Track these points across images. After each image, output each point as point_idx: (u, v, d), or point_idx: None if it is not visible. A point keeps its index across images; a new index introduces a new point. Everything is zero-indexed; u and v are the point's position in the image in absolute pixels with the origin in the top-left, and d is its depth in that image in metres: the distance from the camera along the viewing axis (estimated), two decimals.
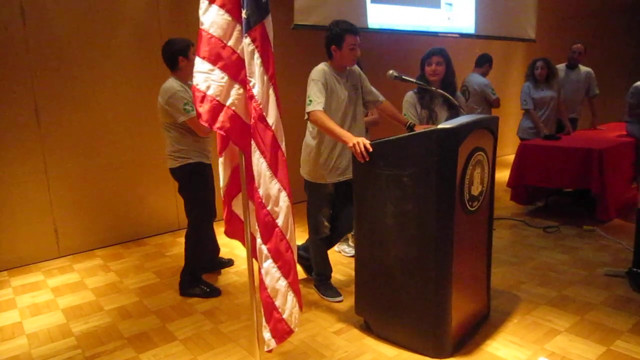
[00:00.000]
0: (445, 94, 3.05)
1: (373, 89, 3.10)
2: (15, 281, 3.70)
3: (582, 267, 3.53)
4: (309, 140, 3.00)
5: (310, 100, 2.77)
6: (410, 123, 3.06)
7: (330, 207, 3.13)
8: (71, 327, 2.96)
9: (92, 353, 2.66)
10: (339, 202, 3.13)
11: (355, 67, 3.03)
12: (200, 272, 3.38)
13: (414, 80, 3.03)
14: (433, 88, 3.10)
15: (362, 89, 3.03)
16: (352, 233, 3.67)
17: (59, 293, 3.46)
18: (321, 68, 2.87)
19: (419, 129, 2.97)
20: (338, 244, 3.96)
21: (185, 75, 3.13)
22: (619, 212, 4.58)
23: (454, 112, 3.17)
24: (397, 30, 5.84)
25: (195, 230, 3.30)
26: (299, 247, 3.50)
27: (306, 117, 2.83)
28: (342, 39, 2.81)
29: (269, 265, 1.99)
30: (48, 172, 4.03)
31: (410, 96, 3.27)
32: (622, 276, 3.31)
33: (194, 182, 3.23)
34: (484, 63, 5.56)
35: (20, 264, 3.98)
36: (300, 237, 3.54)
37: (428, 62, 3.15)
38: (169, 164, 3.23)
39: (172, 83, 3.09)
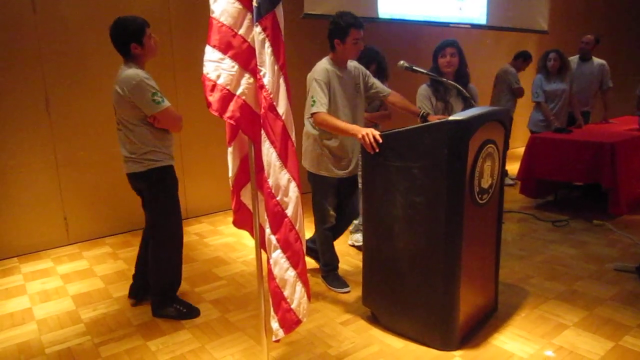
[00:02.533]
0: (457, 85, 3.01)
1: (378, 82, 3.08)
2: (25, 268, 3.73)
3: (591, 262, 3.51)
4: (311, 130, 2.99)
5: (314, 101, 2.77)
6: (424, 112, 3.03)
7: (336, 195, 3.12)
8: (80, 314, 2.99)
9: (100, 340, 2.69)
10: (344, 191, 3.13)
11: (356, 64, 3.00)
12: (176, 288, 3.01)
13: (425, 71, 3.00)
14: (444, 80, 3.08)
15: (364, 85, 3.01)
16: None
17: (68, 280, 3.49)
18: (323, 67, 2.84)
19: (433, 119, 2.96)
20: (351, 234, 3.96)
21: (139, 62, 2.70)
22: (630, 207, 4.53)
23: (468, 103, 3.14)
24: (408, 20, 5.79)
25: (172, 241, 2.91)
26: (307, 240, 3.50)
27: (309, 116, 2.83)
28: (347, 33, 2.77)
29: (277, 255, 1.99)
30: (58, 160, 4.05)
31: (424, 89, 3.25)
32: (631, 271, 3.29)
33: (167, 187, 2.83)
34: (517, 57, 5.67)
35: (30, 250, 4.02)
36: (308, 227, 3.53)
37: (442, 54, 3.12)
38: (130, 168, 2.77)
39: (134, 70, 2.63)
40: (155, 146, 2.73)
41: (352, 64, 2.98)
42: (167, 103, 2.64)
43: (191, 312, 2.93)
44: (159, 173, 2.77)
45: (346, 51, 2.83)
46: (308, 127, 3.01)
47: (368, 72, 3.05)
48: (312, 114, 2.78)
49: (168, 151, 2.81)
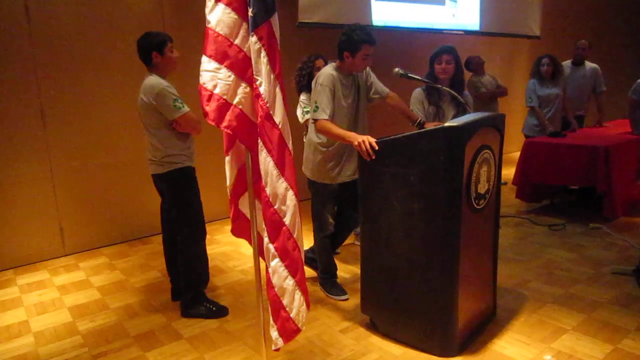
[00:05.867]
0: (452, 92, 3.03)
1: (377, 82, 3.06)
2: (21, 279, 3.71)
3: (588, 265, 3.52)
4: (314, 137, 2.99)
5: (317, 107, 2.76)
6: (421, 120, 3.04)
7: (335, 203, 3.12)
8: (77, 326, 2.97)
9: (98, 351, 2.67)
10: (344, 199, 3.13)
11: None
12: (203, 288, 3.12)
13: (420, 78, 3.01)
14: (439, 86, 3.09)
15: (367, 86, 3.02)
16: None
17: (65, 291, 3.47)
18: (329, 72, 2.83)
19: (429, 125, 2.96)
20: (356, 235, 3.97)
21: (161, 71, 2.91)
22: (625, 210, 4.56)
23: (461, 109, 3.16)
24: (402, 27, 5.82)
25: (195, 243, 3.02)
26: (307, 250, 3.50)
27: (311, 120, 2.82)
28: (358, 48, 2.75)
29: (276, 264, 1.99)
30: (53, 171, 4.04)
31: (418, 92, 3.25)
32: (629, 274, 3.30)
33: (187, 188, 2.99)
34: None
35: (26, 262, 3.99)
36: (306, 235, 3.53)
37: (438, 61, 3.12)
38: (153, 169, 2.99)
39: (156, 79, 2.85)
40: (175, 149, 2.91)
41: None
42: (186, 108, 2.82)
43: (221, 311, 3.03)
44: (177, 174, 2.93)
45: (355, 65, 2.82)
46: (311, 134, 3.02)
47: (370, 71, 3.03)
48: (314, 120, 2.79)
49: (187, 153, 2.97)
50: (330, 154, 2.96)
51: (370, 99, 3.05)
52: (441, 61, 3.11)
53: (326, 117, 2.75)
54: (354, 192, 3.13)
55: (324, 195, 3.06)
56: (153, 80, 2.85)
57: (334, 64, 2.90)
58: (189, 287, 3.03)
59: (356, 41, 2.75)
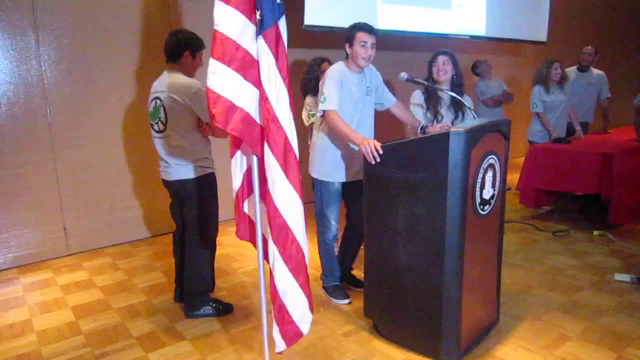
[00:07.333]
0: (455, 95, 3.04)
1: (386, 91, 3.10)
2: (24, 278, 3.72)
3: (592, 272, 3.50)
4: (319, 138, 3.00)
5: (325, 98, 2.78)
6: (423, 125, 3.05)
7: (339, 204, 3.13)
8: (80, 325, 2.97)
9: (101, 351, 2.67)
10: (349, 200, 3.14)
11: (372, 68, 3.02)
12: (210, 291, 3.13)
13: (427, 83, 3.02)
14: (442, 89, 3.10)
15: (376, 90, 3.04)
16: None
17: (68, 291, 3.47)
18: (337, 67, 2.89)
19: (432, 129, 2.97)
20: None
21: (186, 72, 2.82)
22: (630, 217, 4.53)
23: (460, 114, 3.17)
24: (408, 32, 5.82)
25: (209, 246, 2.99)
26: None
27: (320, 113, 2.84)
28: (353, 36, 2.84)
29: (280, 267, 1.98)
30: (58, 170, 4.05)
31: (418, 96, 3.28)
32: (633, 282, 3.28)
33: (211, 196, 2.92)
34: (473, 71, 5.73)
35: (29, 261, 4.00)
36: (310, 238, 3.52)
37: (435, 62, 3.17)
38: (181, 174, 2.83)
39: (188, 79, 2.74)
40: (204, 153, 2.86)
41: (368, 68, 2.99)
42: None
43: (227, 308, 3.04)
44: (208, 179, 2.89)
45: (355, 54, 2.86)
46: (316, 136, 3.03)
47: (381, 78, 3.07)
48: (323, 112, 2.80)
49: (212, 157, 2.93)
50: (335, 153, 2.97)
51: (378, 104, 3.08)
52: (438, 62, 3.15)
53: (334, 108, 2.77)
54: (359, 192, 3.14)
55: (328, 194, 3.06)
56: (185, 79, 2.75)
57: (342, 62, 2.93)
58: (195, 292, 3.00)
59: (351, 31, 2.86)
